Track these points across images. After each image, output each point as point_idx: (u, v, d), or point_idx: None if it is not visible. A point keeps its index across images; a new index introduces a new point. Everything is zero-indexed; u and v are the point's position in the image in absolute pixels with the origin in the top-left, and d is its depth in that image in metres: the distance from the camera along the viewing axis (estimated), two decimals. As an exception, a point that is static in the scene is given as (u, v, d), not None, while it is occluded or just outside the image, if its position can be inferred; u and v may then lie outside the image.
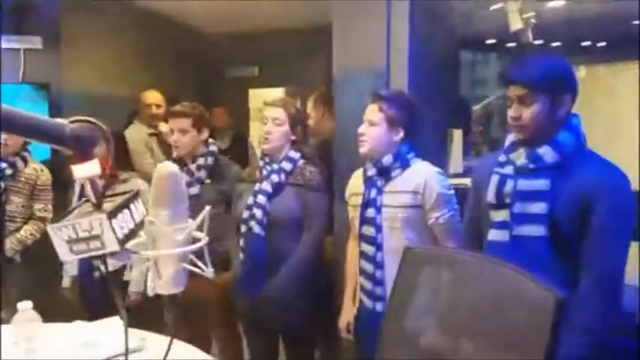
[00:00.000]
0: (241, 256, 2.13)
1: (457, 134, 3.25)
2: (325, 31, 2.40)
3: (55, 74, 3.36)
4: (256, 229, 2.05)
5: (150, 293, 0.93)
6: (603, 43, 4.92)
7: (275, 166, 2.10)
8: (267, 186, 2.08)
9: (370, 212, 1.85)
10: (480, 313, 1.10)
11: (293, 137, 2.13)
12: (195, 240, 0.93)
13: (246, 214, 2.10)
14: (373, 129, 1.84)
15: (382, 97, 1.84)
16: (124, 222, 0.87)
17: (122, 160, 2.62)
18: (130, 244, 0.89)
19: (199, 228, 0.93)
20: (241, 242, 2.12)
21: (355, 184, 1.99)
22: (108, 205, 0.87)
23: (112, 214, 0.85)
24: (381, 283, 1.82)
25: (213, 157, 2.38)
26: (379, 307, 1.82)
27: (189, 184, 2.31)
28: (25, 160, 2.56)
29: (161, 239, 0.90)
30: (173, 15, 4.10)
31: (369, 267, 1.85)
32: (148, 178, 2.92)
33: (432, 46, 2.34)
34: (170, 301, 0.84)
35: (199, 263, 0.93)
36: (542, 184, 1.36)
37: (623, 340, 1.31)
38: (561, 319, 0.94)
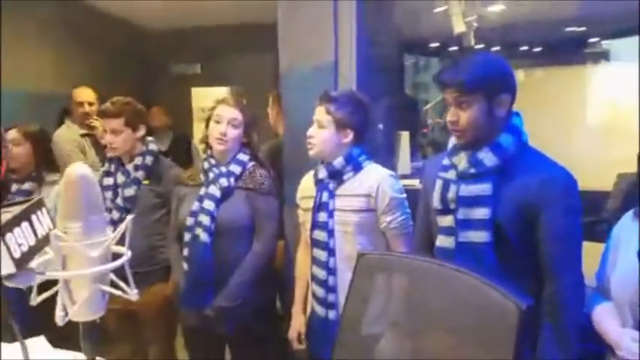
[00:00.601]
0: (185, 265, 1.99)
1: (404, 136, 3.28)
2: (270, 27, 2.32)
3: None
4: (203, 236, 1.92)
5: (59, 323, 0.79)
6: (539, 48, 5.12)
7: (223, 169, 1.97)
8: (214, 190, 1.95)
9: (322, 216, 1.78)
10: (439, 322, 1.06)
11: (245, 140, 2.02)
12: (115, 256, 0.80)
13: (190, 220, 1.96)
14: (322, 131, 1.78)
15: (330, 99, 1.78)
16: (22, 237, 0.74)
17: (50, 162, 2.41)
18: (34, 263, 0.75)
19: (120, 241, 0.80)
20: (185, 251, 1.98)
21: (306, 186, 1.91)
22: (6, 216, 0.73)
23: (7, 228, 0.71)
24: (334, 290, 1.76)
25: (152, 157, 2.23)
26: (332, 314, 1.75)
27: (125, 185, 2.17)
28: None
29: (73, 257, 0.77)
30: (114, 11, 3.89)
31: (321, 273, 1.78)
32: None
33: (378, 47, 2.32)
34: (86, 329, 0.69)
35: (121, 284, 0.80)
36: (483, 188, 1.33)
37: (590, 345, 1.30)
38: (524, 329, 0.91)
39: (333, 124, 1.77)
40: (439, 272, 1.10)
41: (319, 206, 1.79)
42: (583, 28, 5.10)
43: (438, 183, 1.43)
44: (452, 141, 1.48)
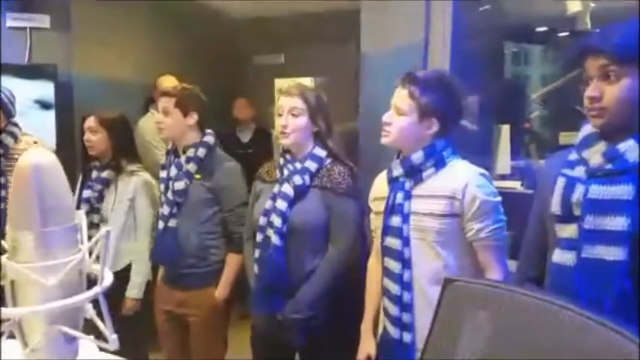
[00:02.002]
0: (256, 269, 1.86)
1: (505, 130, 2.90)
2: (354, 14, 2.12)
3: (63, 55, 3.19)
4: (274, 238, 1.78)
5: None
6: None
7: (298, 166, 1.82)
8: (288, 189, 1.80)
9: (395, 220, 1.53)
10: None
11: (315, 129, 1.83)
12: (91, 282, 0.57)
13: (262, 220, 1.83)
14: (401, 119, 1.52)
15: (414, 80, 1.51)
16: None
17: (130, 151, 2.39)
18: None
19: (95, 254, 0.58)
20: (256, 253, 1.85)
21: (380, 186, 1.68)
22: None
23: None
24: (410, 309, 1.51)
25: (206, 149, 2.12)
26: (407, 337, 1.51)
27: (176, 178, 2.09)
28: (14, 136, 2.33)
29: (23, 284, 0.54)
30: (197, -1, 3.88)
31: (394, 288, 1.54)
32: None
33: (474, 33, 2.04)
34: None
35: (98, 322, 0.57)
36: (622, 190, 1.06)
37: None
38: None
39: (416, 112, 1.51)
40: (542, 309, 0.84)
41: (392, 208, 1.54)
42: None
43: (560, 182, 1.16)
44: (583, 131, 1.18)
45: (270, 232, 1.79)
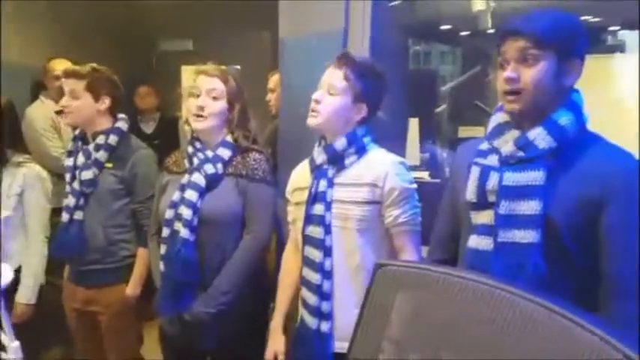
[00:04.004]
0: (161, 265, 1.73)
1: (413, 123, 3.01)
2: (272, 1, 2.05)
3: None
4: (183, 232, 1.67)
5: None
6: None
7: (209, 154, 1.72)
8: (199, 178, 1.69)
9: (318, 209, 1.51)
10: (476, 350, 0.79)
11: (231, 116, 1.74)
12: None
13: (169, 213, 1.70)
14: (333, 99, 1.50)
15: (351, 63, 1.49)
16: None
17: (16, 141, 2.16)
18: None
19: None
20: (162, 249, 1.73)
21: (300, 176, 1.64)
22: None
23: None
24: (329, 297, 1.50)
25: (118, 136, 1.98)
26: (325, 326, 1.49)
27: (84, 167, 1.94)
28: None
29: None
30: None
31: (314, 277, 1.51)
32: (52, 164, 2.50)
33: (389, 27, 2.07)
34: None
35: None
36: (534, 177, 1.10)
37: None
38: None
39: (350, 94, 1.49)
40: (481, 293, 0.82)
41: (315, 197, 1.51)
42: (599, 18, 4.85)
43: (475, 171, 1.18)
44: (494, 120, 1.22)
45: (178, 225, 1.68)
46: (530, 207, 1.09)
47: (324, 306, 1.50)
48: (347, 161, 1.52)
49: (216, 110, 1.71)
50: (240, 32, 3.82)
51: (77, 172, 1.95)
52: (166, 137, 3.62)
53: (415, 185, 1.53)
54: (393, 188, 1.48)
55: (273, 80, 2.71)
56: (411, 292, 0.92)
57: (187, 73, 4.29)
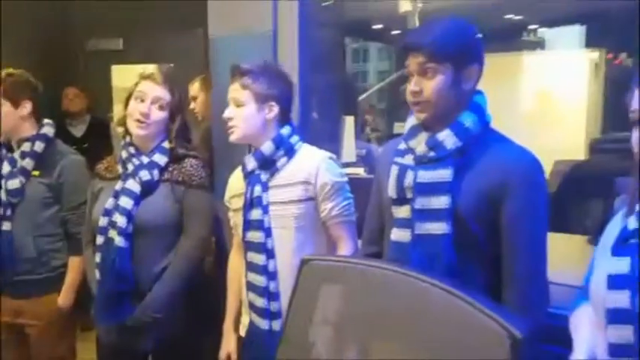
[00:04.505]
0: (97, 274, 1.70)
1: (349, 121, 3.08)
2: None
3: None
4: (117, 240, 1.64)
5: None
6: (480, 35, 5.10)
7: (145, 160, 1.69)
8: (133, 185, 1.67)
9: (255, 214, 1.54)
10: (400, 339, 0.89)
11: (172, 125, 1.74)
12: None
13: (103, 221, 1.67)
14: (241, 110, 1.55)
15: (244, 72, 1.55)
16: None
17: None
18: None
19: None
20: (97, 257, 1.69)
21: (235, 184, 1.67)
22: None
23: None
24: (277, 297, 1.53)
25: (45, 143, 1.92)
26: (276, 325, 1.53)
27: (10, 176, 1.87)
28: None
29: None
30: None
31: (259, 279, 1.55)
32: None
33: (319, 27, 2.12)
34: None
35: None
36: (443, 174, 1.21)
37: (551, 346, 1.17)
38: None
39: (253, 99, 1.53)
40: (400, 281, 0.92)
41: (251, 202, 1.55)
42: (520, 17, 5.14)
43: (394, 170, 1.28)
44: (409, 123, 1.32)
45: (112, 233, 1.65)
46: (441, 201, 1.20)
47: (273, 306, 1.53)
48: (278, 164, 1.56)
49: (159, 119, 1.70)
50: (174, 30, 3.75)
51: (3, 182, 1.87)
52: (97, 140, 3.49)
53: (346, 178, 1.60)
54: (325, 183, 1.53)
55: (194, 88, 2.72)
56: (334, 285, 0.97)
57: (118, 72, 4.17)
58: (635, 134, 0.96)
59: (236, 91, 1.55)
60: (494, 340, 0.70)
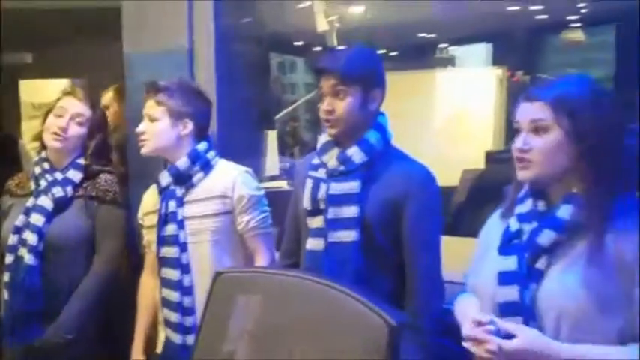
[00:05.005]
0: (5, 294, 1.65)
1: (272, 135, 3.14)
2: (115, 12, 2.03)
3: None
4: (28, 258, 1.61)
5: None
6: (395, 52, 5.37)
7: (59, 176, 1.69)
8: (46, 202, 1.65)
9: (170, 229, 1.56)
10: (307, 342, 0.97)
11: (90, 142, 1.73)
12: None
13: (13, 239, 1.65)
14: (154, 125, 1.58)
15: (158, 88, 1.58)
16: None
17: None
18: None
19: None
20: (6, 276, 1.65)
21: (149, 201, 1.68)
22: None
23: None
24: (191, 312, 1.55)
25: None
26: (190, 340, 1.53)
27: None
28: None
29: None
30: None
31: (173, 295, 1.56)
32: None
33: (241, 41, 2.17)
34: None
35: None
36: (352, 186, 1.33)
37: (444, 339, 1.29)
38: (396, 347, 0.87)
39: (167, 115, 1.56)
40: (307, 288, 1.01)
41: (166, 218, 1.56)
42: (433, 35, 5.46)
43: (309, 183, 1.39)
44: (321, 140, 1.42)
45: (22, 251, 1.62)
46: (351, 211, 1.32)
47: (188, 320, 1.54)
48: (194, 179, 1.58)
49: (77, 134, 1.70)
50: (87, 44, 3.64)
51: None
52: (4, 157, 3.30)
53: (262, 192, 1.65)
54: (242, 197, 1.57)
55: (107, 98, 2.68)
56: (247, 295, 1.03)
57: (26, 87, 3.97)
58: (516, 143, 1.09)
59: (151, 107, 1.58)
60: (377, 329, 0.84)
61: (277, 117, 4.44)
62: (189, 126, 1.58)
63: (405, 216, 1.32)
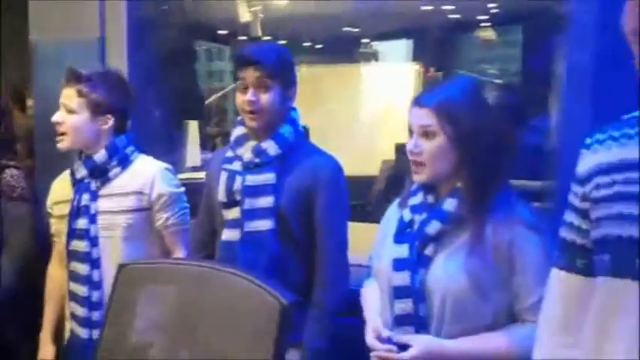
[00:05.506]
0: None
1: (193, 125, 3.12)
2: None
3: None
4: None
5: None
6: (320, 45, 5.43)
7: None
8: None
9: (82, 223, 1.53)
10: (209, 328, 1.02)
11: None
12: None
13: None
14: (72, 117, 1.52)
15: (81, 78, 1.53)
16: None
17: None
18: None
19: None
20: None
21: (60, 189, 1.63)
22: None
23: None
24: (99, 307, 1.52)
25: None
26: (96, 334, 1.51)
27: None
28: None
29: None
30: None
31: (81, 290, 1.53)
32: None
33: (161, 29, 2.13)
34: None
35: None
36: (267, 177, 1.38)
37: (351, 318, 1.36)
38: (289, 324, 0.95)
39: (87, 109, 1.52)
40: (210, 276, 1.06)
41: (78, 211, 1.53)
42: (357, 29, 5.56)
43: (223, 175, 1.42)
44: (235, 133, 1.45)
45: None
46: (267, 201, 1.37)
47: (95, 315, 1.52)
48: (111, 173, 1.55)
49: None
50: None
51: None
52: None
53: (182, 189, 1.65)
54: (161, 194, 1.56)
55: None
56: (153, 286, 1.06)
57: None
58: (408, 144, 1.17)
59: (69, 97, 1.52)
60: (271, 307, 0.94)
61: (207, 102, 4.38)
62: (110, 121, 1.54)
63: (317, 203, 1.39)
